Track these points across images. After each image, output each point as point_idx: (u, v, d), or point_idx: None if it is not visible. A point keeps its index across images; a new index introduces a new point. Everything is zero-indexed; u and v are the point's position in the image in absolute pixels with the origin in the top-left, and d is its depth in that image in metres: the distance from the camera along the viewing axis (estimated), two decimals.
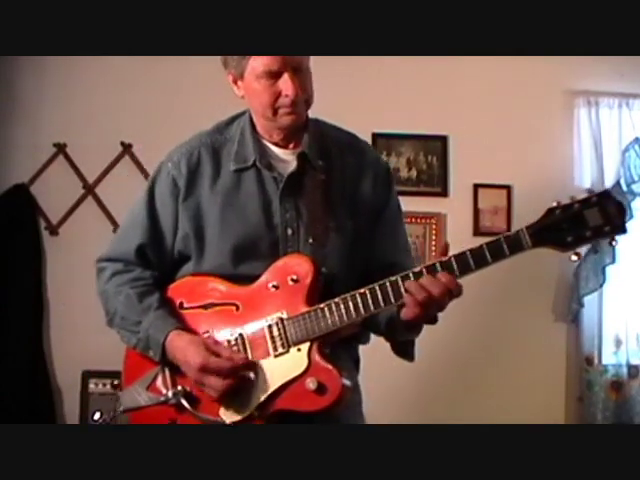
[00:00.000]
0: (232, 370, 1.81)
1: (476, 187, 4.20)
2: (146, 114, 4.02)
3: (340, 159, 2.01)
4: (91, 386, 3.39)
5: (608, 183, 4.16)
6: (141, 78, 4.02)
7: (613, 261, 4.05)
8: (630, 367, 4.18)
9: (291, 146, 1.99)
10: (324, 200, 1.94)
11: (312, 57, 1.98)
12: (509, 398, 4.01)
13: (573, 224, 1.70)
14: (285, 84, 1.87)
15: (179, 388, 1.89)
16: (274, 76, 1.88)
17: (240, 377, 1.83)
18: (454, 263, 1.76)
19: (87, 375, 3.42)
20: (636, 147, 4.19)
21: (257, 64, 1.88)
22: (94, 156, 4.01)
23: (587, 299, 4.14)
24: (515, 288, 4.03)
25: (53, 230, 4.01)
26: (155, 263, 2.02)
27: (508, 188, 4.21)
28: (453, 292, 1.76)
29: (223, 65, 1.97)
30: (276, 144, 1.99)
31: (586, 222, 1.69)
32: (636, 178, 4.19)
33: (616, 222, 1.69)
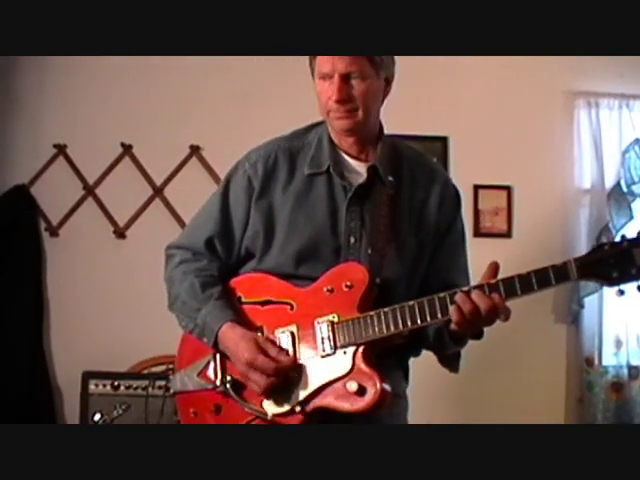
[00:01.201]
0: (276, 371, 1.87)
1: (476, 188, 4.20)
2: (146, 115, 4.02)
3: (410, 177, 2.06)
4: (91, 387, 3.37)
5: (608, 184, 4.17)
6: (141, 79, 4.02)
7: None
8: (630, 368, 4.18)
9: (363, 157, 2.05)
10: (389, 214, 1.99)
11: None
12: (509, 399, 4.01)
13: (620, 260, 1.73)
14: (332, 87, 1.94)
15: (228, 378, 1.96)
16: (329, 78, 1.94)
17: (284, 377, 1.88)
18: (501, 286, 1.80)
19: (87, 376, 3.41)
20: (636, 148, 4.20)
21: (318, 63, 1.96)
22: (94, 157, 4.01)
23: (587, 300, 4.14)
24: None
25: (53, 231, 4.01)
26: (222, 256, 2.09)
27: (508, 189, 4.22)
28: (500, 313, 1.79)
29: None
30: (348, 154, 2.04)
31: (633, 260, 1.72)
32: (636, 179, 4.19)
33: None
